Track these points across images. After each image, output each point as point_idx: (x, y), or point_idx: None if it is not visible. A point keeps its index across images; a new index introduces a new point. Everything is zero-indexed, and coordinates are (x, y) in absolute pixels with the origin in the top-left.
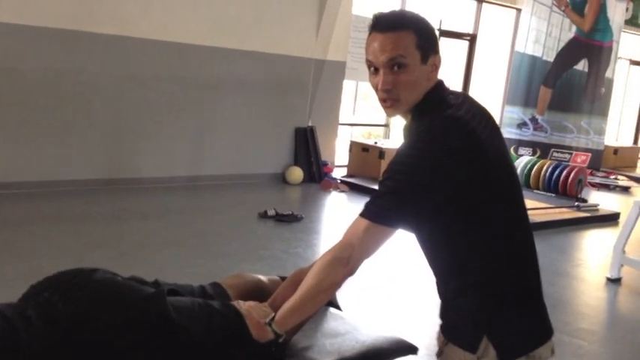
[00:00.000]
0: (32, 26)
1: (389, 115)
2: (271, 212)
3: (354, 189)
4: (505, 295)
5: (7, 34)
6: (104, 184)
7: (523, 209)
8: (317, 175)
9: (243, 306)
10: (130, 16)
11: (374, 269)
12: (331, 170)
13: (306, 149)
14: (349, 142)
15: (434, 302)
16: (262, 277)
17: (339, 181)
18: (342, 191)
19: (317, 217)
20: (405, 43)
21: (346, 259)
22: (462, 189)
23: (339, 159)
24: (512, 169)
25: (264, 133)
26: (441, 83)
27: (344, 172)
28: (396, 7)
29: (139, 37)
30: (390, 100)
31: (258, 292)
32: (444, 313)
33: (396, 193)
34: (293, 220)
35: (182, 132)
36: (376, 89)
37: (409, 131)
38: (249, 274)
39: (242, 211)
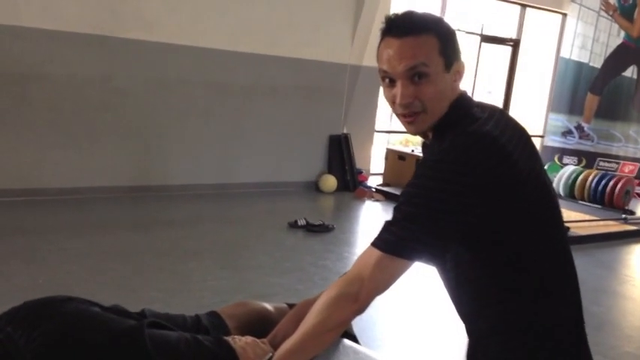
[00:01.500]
0: (59, 31)
1: (412, 132)
2: (302, 222)
3: (390, 198)
4: (539, 336)
5: (35, 40)
6: (130, 191)
7: (562, 236)
8: (351, 183)
9: (239, 342)
10: (157, 20)
11: (397, 295)
12: (366, 178)
13: (341, 157)
14: (385, 150)
15: (462, 339)
16: (268, 306)
17: (373, 190)
18: (377, 200)
19: (349, 228)
20: (426, 49)
21: (355, 295)
22: (489, 216)
23: (374, 167)
24: (551, 191)
25: (297, 141)
26: (464, 94)
27: (379, 180)
28: (430, 10)
29: (166, 42)
30: (411, 115)
31: (263, 323)
32: (471, 354)
33: (413, 221)
34: (324, 230)
35: (211, 138)
36: (393, 104)
37: (430, 149)
38: (254, 302)
39: (271, 220)
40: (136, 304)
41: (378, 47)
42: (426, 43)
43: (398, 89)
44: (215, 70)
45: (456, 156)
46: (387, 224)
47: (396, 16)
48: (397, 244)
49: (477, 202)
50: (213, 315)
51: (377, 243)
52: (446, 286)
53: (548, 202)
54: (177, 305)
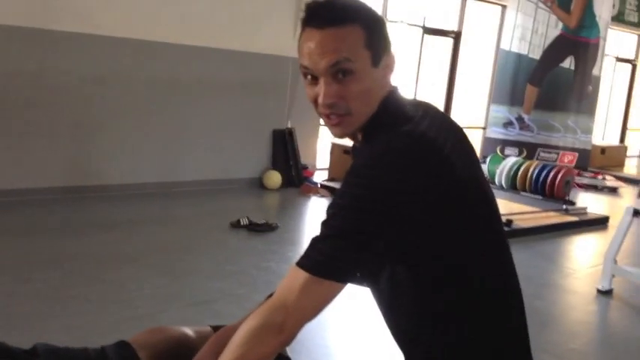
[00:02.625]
0: None
1: (337, 135)
2: (244, 221)
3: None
4: (483, 356)
5: None
6: (63, 192)
7: (503, 244)
8: (296, 179)
9: None
10: (92, 11)
11: (330, 317)
12: (312, 174)
13: (285, 152)
14: (330, 144)
15: None
16: (188, 331)
17: (319, 186)
18: (323, 196)
19: (294, 226)
20: (350, 42)
21: (279, 325)
22: (427, 228)
23: (320, 162)
24: (490, 196)
25: (240, 136)
26: (395, 90)
27: (325, 175)
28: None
29: (101, 35)
30: (336, 117)
31: (181, 352)
32: None
33: (342, 236)
34: (267, 229)
35: (151, 135)
36: (315, 103)
37: (360, 153)
38: (171, 328)
39: (213, 220)
40: (64, 317)
41: (299, 40)
42: (351, 34)
43: (320, 88)
44: (155, 65)
45: (388, 160)
46: (314, 241)
47: (316, 3)
48: (326, 264)
49: (414, 213)
50: (123, 346)
51: (303, 263)
52: (380, 308)
53: (488, 208)
54: (111, 317)
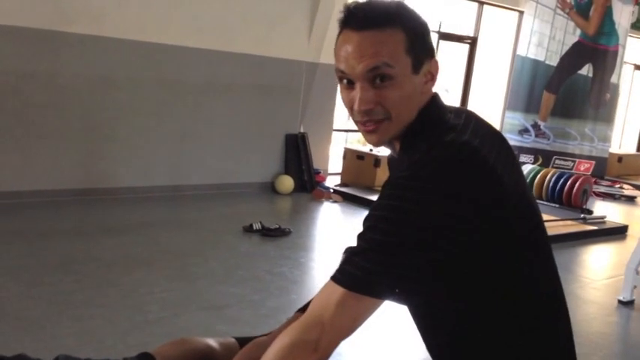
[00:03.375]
0: None
1: (372, 142)
2: (257, 226)
3: (348, 199)
4: None
5: None
6: (74, 194)
7: (549, 259)
8: (309, 184)
9: None
10: (104, 13)
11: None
12: (324, 179)
13: (298, 157)
14: (343, 149)
15: None
16: (212, 342)
17: (331, 191)
18: (335, 201)
19: (306, 231)
20: (391, 46)
21: (314, 343)
22: (472, 244)
23: (332, 167)
24: (535, 207)
25: (253, 140)
26: (436, 98)
27: (338, 180)
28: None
29: (114, 37)
30: (372, 123)
31: None
32: None
33: (381, 251)
34: (280, 234)
35: (162, 139)
36: (350, 109)
37: (399, 164)
38: (195, 340)
39: (225, 224)
40: (75, 321)
41: (336, 42)
42: (391, 38)
43: (357, 93)
44: (167, 67)
45: (431, 171)
46: (350, 254)
47: (357, 4)
48: (363, 280)
49: (459, 228)
50: (145, 357)
51: (339, 278)
52: (419, 328)
53: (534, 221)
54: (122, 322)
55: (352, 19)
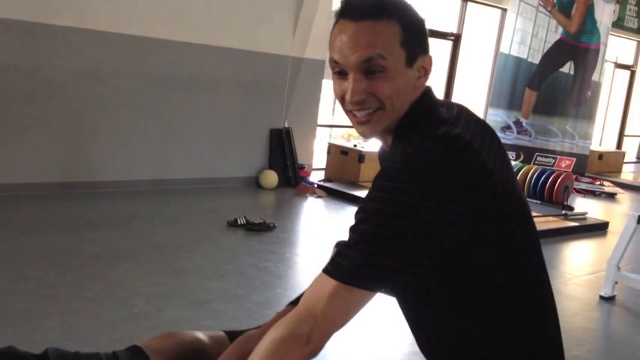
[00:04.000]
0: None
1: (364, 134)
2: (241, 220)
3: (332, 194)
4: None
5: None
6: (59, 188)
7: (539, 255)
8: (293, 179)
9: None
10: (89, 5)
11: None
12: (308, 174)
13: (282, 152)
14: (327, 145)
15: None
16: (201, 336)
17: (316, 186)
18: (319, 197)
19: (291, 226)
20: (386, 38)
21: (306, 335)
22: (464, 237)
23: (317, 162)
24: (525, 203)
25: (237, 135)
26: (429, 92)
27: (322, 175)
28: None
29: (99, 30)
30: (365, 114)
31: (195, 357)
32: None
33: (374, 244)
34: (265, 229)
35: (147, 132)
36: (342, 100)
37: (390, 157)
38: (184, 333)
39: (210, 219)
40: (59, 315)
41: (331, 32)
42: (387, 30)
43: (349, 84)
44: (152, 61)
45: (423, 163)
46: (343, 247)
47: None
48: (356, 272)
49: (450, 218)
50: (135, 350)
51: (331, 270)
52: (407, 318)
53: (524, 216)
54: (106, 316)
55: (349, 9)
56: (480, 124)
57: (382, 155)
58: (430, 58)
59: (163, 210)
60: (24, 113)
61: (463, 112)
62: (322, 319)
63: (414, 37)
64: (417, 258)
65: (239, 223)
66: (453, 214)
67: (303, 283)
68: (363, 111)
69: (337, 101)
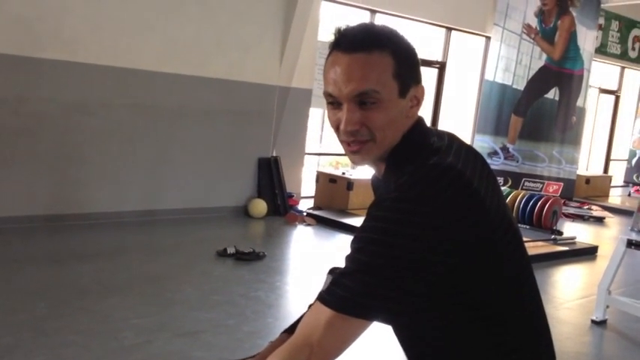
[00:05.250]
0: None
1: (356, 162)
2: (231, 250)
3: (321, 222)
4: None
5: None
6: (46, 220)
7: (532, 282)
8: (282, 207)
9: None
10: (77, 39)
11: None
12: (297, 202)
13: (270, 180)
14: (316, 173)
15: None
16: None
17: (305, 214)
18: (309, 225)
19: (281, 255)
20: (379, 71)
21: None
22: (458, 266)
23: (305, 190)
24: (517, 230)
25: (225, 164)
26: (421, 121)
27: (311, 203)
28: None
29: (85, 62)
30: (357, 144)
31: None
32: None
33: (369, 273)
34: (254, 258)
35: (136, 163)
36: (337, 129)
37: (384, 184)
38: None
39: (199, 249)
40: (49, 349)
41: (325, 63)
42: (379, 62)
43: (343, 114)
44: (140, 92)
45: (418, 193)
46: (339, 276)
47: (347, 27)
48: (351, 301)
49: (446, 249)
50: None
51: (327, 299)
52: (402, 345)
53: (515, 242)
54: (96, 349)
55: (342, 41)
56: (471, 152)
57: (375, 183)
58: (422, 88)
59: (153, 240)
60: (11, 146)
61: (454, 141)
62: (318, 348)
63: (407, 68)
64: (413, 287)
65: (228, 252)
66: (448, 243)
67: (294, 311)
68: (355, 141)
69: (332, 130)
